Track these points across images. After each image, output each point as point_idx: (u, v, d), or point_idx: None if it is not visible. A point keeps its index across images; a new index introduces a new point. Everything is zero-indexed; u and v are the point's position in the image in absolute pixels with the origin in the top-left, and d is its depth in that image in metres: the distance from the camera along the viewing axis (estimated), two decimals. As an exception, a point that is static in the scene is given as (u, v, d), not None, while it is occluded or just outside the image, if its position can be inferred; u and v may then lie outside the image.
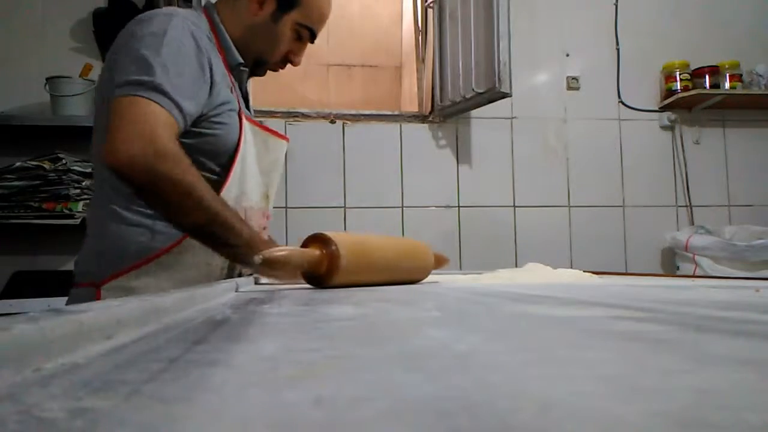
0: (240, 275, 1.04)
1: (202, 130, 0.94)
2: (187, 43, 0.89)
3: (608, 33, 2.48)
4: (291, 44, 1.06)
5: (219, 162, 0.98)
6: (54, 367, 0.20)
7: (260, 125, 1.10)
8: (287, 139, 1.19)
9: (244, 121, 1.01)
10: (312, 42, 1.09)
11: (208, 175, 0.95)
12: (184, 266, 0.93)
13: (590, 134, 2.44)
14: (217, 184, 0.95)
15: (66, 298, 1.02)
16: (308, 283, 0.76)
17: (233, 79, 1.04)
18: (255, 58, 1.06)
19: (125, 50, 0.88)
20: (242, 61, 1.04)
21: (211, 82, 0.93)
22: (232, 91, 1.01)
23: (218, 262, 0.99)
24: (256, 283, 0.94)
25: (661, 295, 0.53)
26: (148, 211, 0.92)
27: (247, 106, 1.12)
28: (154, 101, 0.82)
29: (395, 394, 0.15)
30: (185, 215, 0.84)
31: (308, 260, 0.72)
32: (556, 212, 2.40)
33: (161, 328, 0.30)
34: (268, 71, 1.12)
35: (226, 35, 1.02)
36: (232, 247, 0.86)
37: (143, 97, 0.82)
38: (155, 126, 0.81)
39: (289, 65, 1.11)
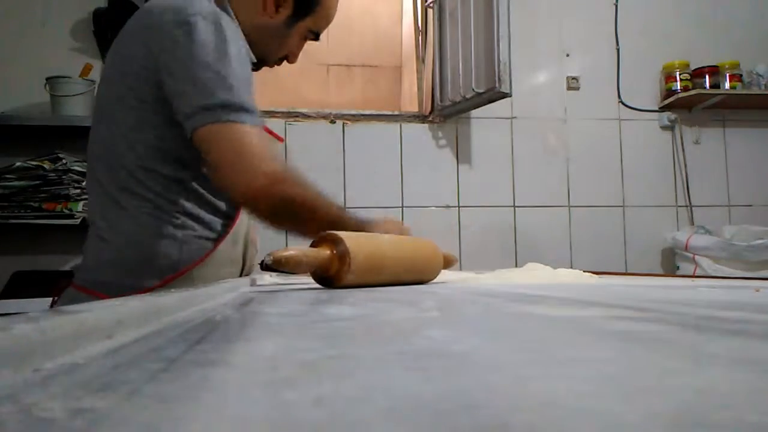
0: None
1: None
2: (243, 50, 0.87)
3: (608, 33, 2.48)
4: (296, 43, 1.05)
5: None
6: (54, 367, 0.20)
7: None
8: (281, 140, 1.19)
9: None
10: (315, 40, 1.07)
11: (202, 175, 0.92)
12: (205, 279, 0.89)
13: (590, 134, 2.44)
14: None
15: None
16: (318, 283, 0.76)
17: None
18: (261, 57, 1.04)
19: (187, 64, 0.82)
20: (255, 60, 1.02)
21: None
22: None
23: (235, 270, 0.98)
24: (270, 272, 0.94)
25: (661, 295, 0.53)
26: (178, 222, 0.89)
27: None
28: (247, 123, 0.81)
29: (395, 394, 0.15)
30: (312, 229, 0.82)
31: (318, 260, 0.71)
32: (556, 212, 2.40)
33: (161, 328, 0.30)
34: (264, 67, 1.09)
35: (242, 33, 0.97)
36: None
37: (236, 122, 0.80)
38: (262, 151, 0.81)
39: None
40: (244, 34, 0.97)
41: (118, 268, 0.87)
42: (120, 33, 0.96)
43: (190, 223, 0.90)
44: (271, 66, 1.09)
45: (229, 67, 0.82)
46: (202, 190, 0.91)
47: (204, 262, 0.90)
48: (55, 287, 0.98)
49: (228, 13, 0.96)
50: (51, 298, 1.01)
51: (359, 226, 0.87)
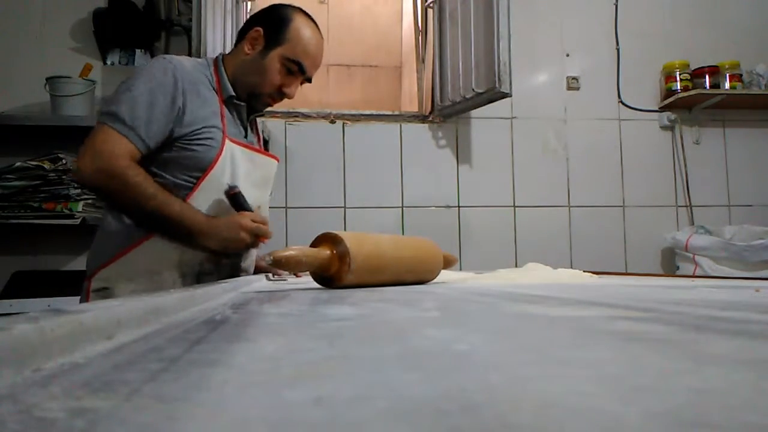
0: (205, 272, 1.14)
1: (182, 147, 1.10)
2: (162, 80, 1.08)
3: (608, 33, 2.48)
4: (282, 78, 1.17)
5: (197, 174, 1.11)
6: (54, 367, 0.20)
7: (250, 147, 1.23)
8: (277, 159, 1.31)
9: (228, 142, 1.14)
10: (305, 77, 1.20)
11: (183, 183, 1.10)
12: (148, 259, 1.08)
13: (590, 134, 2.44)
14: (188, 192, 1.11)
15: (66, 298, 1.10)
16: (318, 283, 0.75)
17: (229, 110, 1.19)
18: (249, 91, 1.19)
19: (120, 85, 1.10)
20: (233, 94, 1.19)
21: (184, 111, 1.09)
22: (222, 118, 1.16)
23: (185, 257, 1.11)
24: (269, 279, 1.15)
25: (661, 295, 0.53)
26: (124, 218, 1.10)
27: (246, 135, 1.25)
28: (113, 128, 1.04)
29: (395, 394, 0.15)
30: (132, 210, 1.07)
31: (318, 260, 0.71)
32: (556, 212, 2.40)
33: (161, 328, 0.30)
34: (268, 105, 1.24)
35: (225, 76, 1.19)
36: (192, 233, 1.06)
37: (107, 125, 1.04)
38: (110, 149, 1.03)
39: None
40: (232, 75, 1.19)
41: (92, 255, 1.14)
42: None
43: (124, 219, 1.10)
44: (269, 102, 1.22)
45: (130, 89, 1.06)
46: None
47: (148, 242, 1.08)
48: (80, 287, 1.16)
49: (218, 66, 1.19)
50: (51, 298, 1.20)
51: (205, 222, 1.07)
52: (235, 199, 1.12)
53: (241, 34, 1.21)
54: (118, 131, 1.04)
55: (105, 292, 1.07)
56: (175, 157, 1.10)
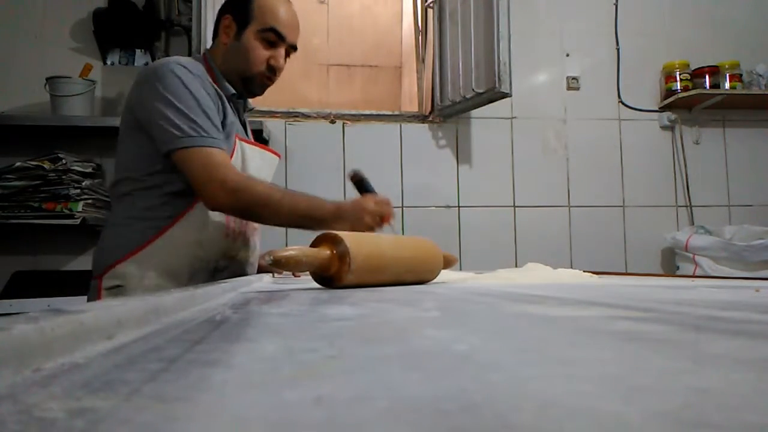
0: (219, 268, 1.15)
1: None
2: (201, 89, 1.08)
3: (608, 33, 2.48)
4: (265, 52, 1.17)
5: None
6: (54, 367, 0.20)
7: (257, 144, 1.24)
8: (279, 156, 1.32)
9: (238, 141, 1.16)
10: (288, 44, 1.19)
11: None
12: (164, 255, 1.08)
13: (590, 134, 2.44)
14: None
15: (66, 298, 1.10)
16: (318, 283, 0.75)
17: (233, 108, 1.20)
18: (241, 79, 1.19)
19: (159, 104, 1.05)
20: (234, 91, 1.19)
21: (223, 115, 1.12)
22: (227, 117, 1.16)
23: (199, 253, 1.10)
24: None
25: (661, 295, 0.53)
26: (137, 216, 1.10)
27: (246, 132, 1.28)
28: (208, 146, 1.03)
29: (395, 394, 0.15)
30: (277, 221, 1.08)
31: (318, 260, 0.71)
32: (556, 212, 2.40)
33: (161, 328, 0.30)
34: (267, 87, 1.23)
35: (218, 72, 1.19)
36: (323, 223, 1.05)
37: (200, 146, 1.03)
38: (226, 169, 1.03)
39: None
40: (222, 69, 1.19)
41: (100, 254, 1.12)
42: (137, 84, 1.13)
43: (132, 221, 1.10)
44: (264, 81, 1.21)
45: (189, 105, 1.05)
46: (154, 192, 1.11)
47: (154, 242, 1.07)
48: (79, 287, 1.18)
49: (209, 63, 1.19)
50: (51, 298, 1.20)
51: (333, 210, 1.07)
52: (360, 183, 1.16)
53: (216, 29, 1.22)
54: (209, 146, 1.03)
55: (118, 290, 1.07)
56: None
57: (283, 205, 1.04)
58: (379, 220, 1.10)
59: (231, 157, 1.11)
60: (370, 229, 1.11)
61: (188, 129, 1.03)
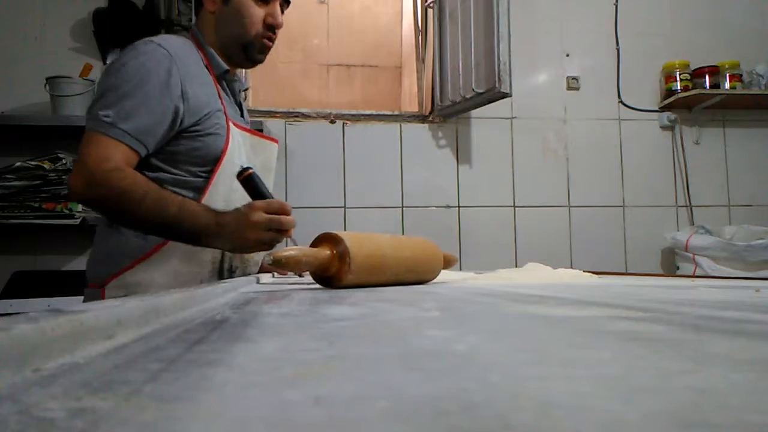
0: (231, 269, 1.10)
1: (190, 138, 1.01)
2: (153, 70, 0.97)
3: (608, 33, 2.48)
4: (260, 10, 1.07)
5: (208, 167, 1.04)
6: (54, 367, 0.20)
7: (248, 130, 1.15)
8: (276, 141, 1.23)
9: (232, 126, 1.06)
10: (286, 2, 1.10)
11: (194, 179, 1.03)
12: (175, 261, 1.01)
13: (590, 134, 2.44)
14: (204, 186, 1.03)
15: (67, 298, 1.08)
16: (318, 283, 0.75)
17: (224, 88, 1.11)
18: (240, 45, 1.08)
19: (101, 80, 1.01)
20: (227, 68, 1.10)
21: (186, 97, 0.99)
22: (220, 99, 1.07)
23: (208, 257, 1.05)
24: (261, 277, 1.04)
25: (661, 295, 0.53)
26: None
27: (242, 114, 1.18)
28: (103, 133, 0.93)
29: (395, 394, 0.15)
30: (136, 223, 0.96)
31: (318, 260, 0.71)
32: (556, 212, 2.40)
33: (161, 328, 0.30)
34: (268, 51, 1.12)
35: (209, 48, 1.09)
36: (195, 237, 0.95)
37: (95, 131, 0.94)
38: (97, 158, 0.92)
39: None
40: (214, 43, 1.09)
41: (101, 261, 1.04)
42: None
43: None
44: (265, 43, 1.10)
45: (118, 86, 0.95)
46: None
47: (164, 248, 1.00)
48: (79, 287, 1.11)
49: (199, 40, 1.09)
50: (51, 298, 1.16)
51: (209, 224, 0.94)
52: (249, 183, 0.96)
53: (198, 2, 1.12)
54: (106, 134, 0.93)
55: None
56: (183, 150, 1.01)
57: (142, 206, 0.91)
58: (272, 233, 0.93)
59: (227, 144, 1.03)
60: (262, 246, 0.94)
61: (95, 110, 0.95)
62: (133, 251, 1.01)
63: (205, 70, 1.06)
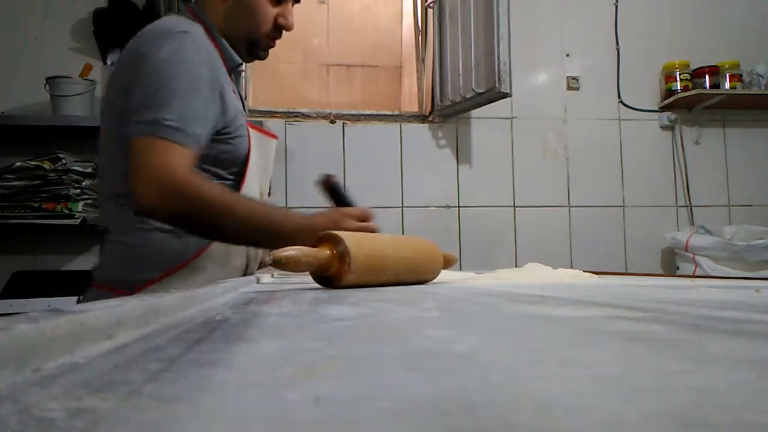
0: (250, 270, 1.08)
1: (220, 144, 0.97)
2: (200, 66, 0.91)
3: (608, 33, 2.48)
4: (274, 9, 1.03)
5: (233, 170, 1.01)
6: (54, 367, 0.20)
7: (253, 126, 1.10)
8: (276, 137, 1.20)
9: (247, 128, 1.03)
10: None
11: (223, 183, 0.98)
12: (211, 267, 0.97)
13: (590, 134, 2.44)
14: (234, 190, 0.98)
15: (67, 298, 1.04)
16: (318, 283, 0.75)
17: (234, 81, 1.06)
18: (246, 41, 1.04)
19: (138, 78, 0.89)
20: (240, 61, 1.06)
21: (222, 100, 0.95)
22: (234, 95, 1.02)
23: (238, 262, 1.02)
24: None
25: (660, 295, 0.53)
26: None
27: (244, 107, 1.13)
28: (169, 139, 0.85)
29: (395, 394, 0.15)
30: (224, 236, 0.91)
31: (318, 260, 0.71)
32: (556, 212, 2.40)
33: (161, 328, 0.30)
34: (269, 48, 1.09)
35: (221, 39, 1.02)
36: (287, 241, 0.91)
37: (158, 137, 0.85)
38: (169, 166, 0.84)
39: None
40: (222, 31, 1.02)
41: (132, 264, 0.95)
42: (126, 51, 0.98)
43: None
44: (269, 42, 1.07)
45: (168, 84, 0.87)
46: None
47: (202, 255, 0.95)
48: (80, 287, 1.04)
49: (205, 23, 1.01)
50: (51, 298, 1.09)
51: (303, 225, 0.90)
52: (334, 191, 0.95)
53: None
54: (171, 139, 0.86)
55: None
56: (212, 153, 0.95)
57: (231, 216, 0.87)
58: None
59: (250, 144, 0.99)
60: None
61: (151, 113, 0.86)
62: (172, 257, 0.95)
63: (222, 63, 1.00)
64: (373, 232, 0.92)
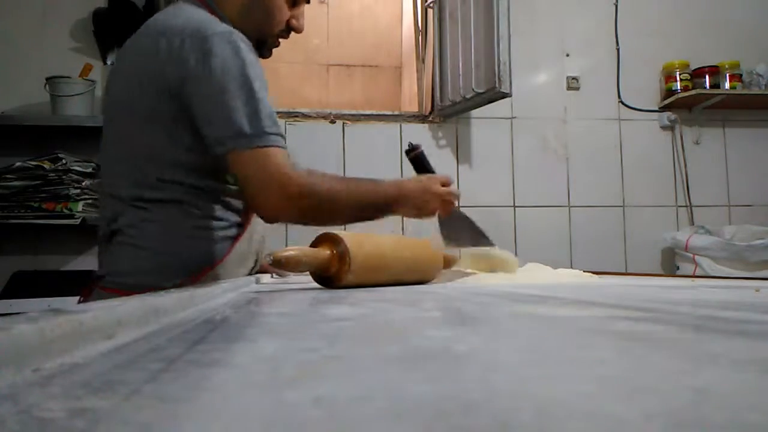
0: (257, 269, 1.09)
1: None
2: (259, 67, 0.92)
3: (608, 33, 2.48)
4: (287, 11, 1.03)
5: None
6: (54, 367, 0.20)
7: None
8: None
9: None
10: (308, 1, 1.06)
11: (225, 185, 0.97)
12: (230, 272, 0.97)
13: (590, 134, 2.44)
14: (235, 190, 0.97)
15: (67, 298, 1.02)
16: (318, 283, 0.75)
17: None
18: (257, 39, 1.01)
19: (215, 83, 0.87)
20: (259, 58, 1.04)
21: None
22: None
23: (250, 263, 1.04)
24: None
25: (661, 295, 0.53)
26: (202, 224, 0.95)
27: None
28: (272, 145, 0.88)
29: (395, 394, 0.15)
30: (341, 220, 0.99)
31: (318, 260, 0.71)
32: (556, 212, 2.40)
33: (161, 328, 0.30)
34: (275, 47, 1.08)
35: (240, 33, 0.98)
36: (385, 210, 0.98)
37: (263, 146, 0.87)
38: (283, 171, 0.88)
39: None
40: (235, 26, 0.97)
41: (155, 271, 0.92)
42: (128, 49, 0.95)
43: (212, 223, 0.96)
44: (277, 42, 1.06)
45: (251, 92, 0.88)
46: (219, 192, 0.97)
47: (226, 259, 0.96)
48: (83, 288, 1.00)
49: (217, 14, 0.98)
50: (51, 298, 1.05)
51: (395, 194, 0.98)
52: (419, 160, 1.04)
53: None
54: (275, 145, 0.88)
55: None
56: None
57: (346, 201, 0.93)
58: (446, 203, 1.02)
59: None
60: (434, 213, 1.03)
61: (247, 124, 0.86)
62: (198, 262, 0.94)
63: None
64: (455, 196, 1.03)
